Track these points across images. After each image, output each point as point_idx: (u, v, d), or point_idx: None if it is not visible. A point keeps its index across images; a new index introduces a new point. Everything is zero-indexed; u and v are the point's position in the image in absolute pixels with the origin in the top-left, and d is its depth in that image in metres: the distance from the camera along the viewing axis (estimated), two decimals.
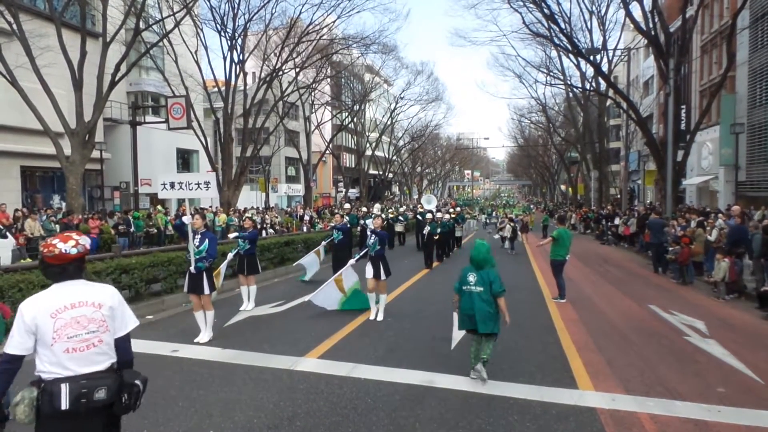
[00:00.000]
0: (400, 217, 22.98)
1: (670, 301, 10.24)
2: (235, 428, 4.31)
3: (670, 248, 13.25)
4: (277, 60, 26.28)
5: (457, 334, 7.34)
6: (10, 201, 18.72)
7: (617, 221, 23.84)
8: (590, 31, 32.05)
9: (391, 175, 59.82)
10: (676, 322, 8.38)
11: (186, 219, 6.83)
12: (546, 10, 22.16)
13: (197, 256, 6.75)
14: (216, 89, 26.44)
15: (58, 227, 16.70)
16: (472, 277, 5.66)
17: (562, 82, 36.89)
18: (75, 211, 17.30)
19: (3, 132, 20.17)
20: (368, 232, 8.71)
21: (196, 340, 6.81)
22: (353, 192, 49.24)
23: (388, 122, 50.53)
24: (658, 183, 28.16)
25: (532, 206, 61.27)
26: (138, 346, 6.60)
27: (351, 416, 4.56)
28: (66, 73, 17.59)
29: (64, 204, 21.11)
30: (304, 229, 23.63)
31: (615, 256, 19.21)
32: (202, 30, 25.15)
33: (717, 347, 6.91)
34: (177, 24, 21.00)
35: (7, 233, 13.34)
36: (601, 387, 5.39)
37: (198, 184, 7.02)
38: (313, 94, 37.14)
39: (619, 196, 35.95)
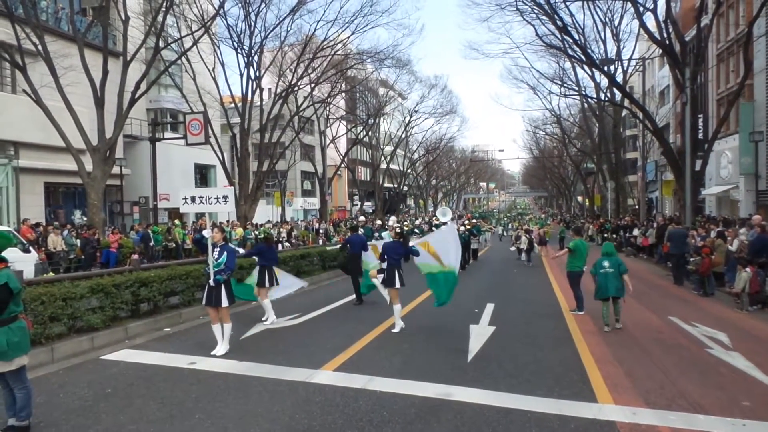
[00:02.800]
0: (416, 230, 22.94)
1: (691, 313, 10.04)
2: None
3: (691, 259, 13.01)
4: (293, 76, 26.62)
5: (474, 346, 7.29)
6: (33, 216, 19.13)
7: (636, 232, 23.51)
8: (604, 42, 31.78)
9: (406, 188, 59.93)
10: (698, 334, 8.20)
11: (206, 232, 6.93)
12: (559, 22, 22.15)
13: (216, 269, 6.80)
14: (233, 105, 26.87)
15: (79, 242, 17.02)
16: (606, 263, 8.63)
17: (576, 93, 36.71)
18: (96, 226, 17.60)
19: (28, 149, 20.69)
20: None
21: (212, 353, 6.84)
22: (368, 205, 49.36)
23: (403, 135, 50.74)
24: (677, 193, 27.77)
25: (549, 219, 60.70)
26: (155, 358, 6.71)
27: (367, 429, 4.52)
28: (88, 91, 18.02)
29: (85, 219, 21.49)
30: (320, 242, 23.72)
31: (634, 268, 18.80)
32: (219, 48, 25.65)
33: (741, 360, 6.74)
34: (195, 42, 21.43)
35: (30, 248, 13.60)
36: (620, 400, 5.28)
37: (217, 198, 7.18)
38: (328, 108, 37.48)
39: (637, 206, 35.47)
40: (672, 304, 11.27)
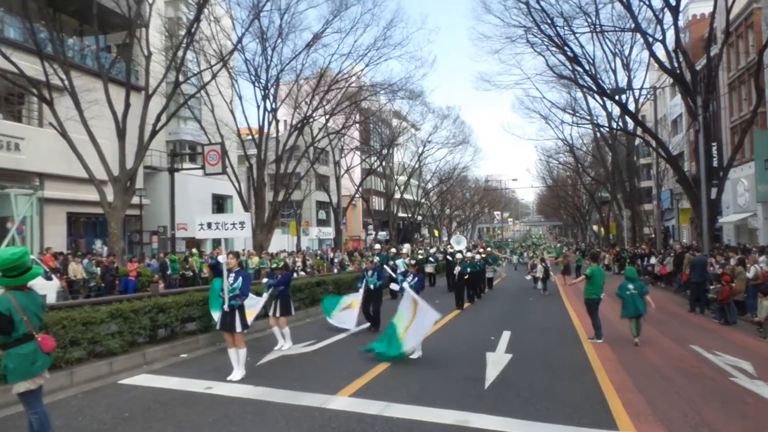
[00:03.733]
0: (430, 258, 22.87)
1: (713, 341, 9.80)
2: None
3: (711, 287, 12.77)
4: (308, 107, 27.12)
5: (491, 374, 7.18)
6: (56, 245, 19.45)
7: (653, 260, 23.16)
8: (614, 72, 32.01)
9: (420, 218, 59.93)
10: (721, 363, 7.99)
11: (221, 258, 7.01)
12: (569, 53, 22.43)
13: (231, 294, 6.85)
14: (250, 137, 27.37)
15: (99, 270, 17.24)
16: (630, 285, 9.65)
17: (588, 123, 36.86)
18: (116, 255, 17.83)
19: (52, 180, 21.21)
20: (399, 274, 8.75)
21: (228, 378, 6.82)
22: (383, 234, 49.38)
23: (416, 165, 51.05)
24: (694, 221, 27.43)
25: (564, 248, 60.12)
26: (173, 383, 6.71)
27: None
28: (110, 124, 18.52)
29: (105, 248, 21.79)
30: (335, 271, 23.71)
31: (651, 296, 18.49)
32: (237, 81, 26.29)
33: (766, 388, 6.55)
34: (214, 76, 22.03)
35: (53, 276, 13.81)
36: (642, 429, 5.15)
37: (233, 224, 7.21)
38: (342, 139, 37.97)
39: (653, 235, 35.04)
40: (693, 332, 11.02)
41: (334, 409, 5.66)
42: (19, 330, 4.21)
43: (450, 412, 5.54)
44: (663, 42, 20.53)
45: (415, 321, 8.03)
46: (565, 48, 22.28)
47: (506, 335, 10.19)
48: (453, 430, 5.04)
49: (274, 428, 5.08)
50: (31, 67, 17.35)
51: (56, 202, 21.43)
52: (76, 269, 16.57)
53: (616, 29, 26.69)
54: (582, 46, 31.05)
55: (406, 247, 22.29)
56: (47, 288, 12.22)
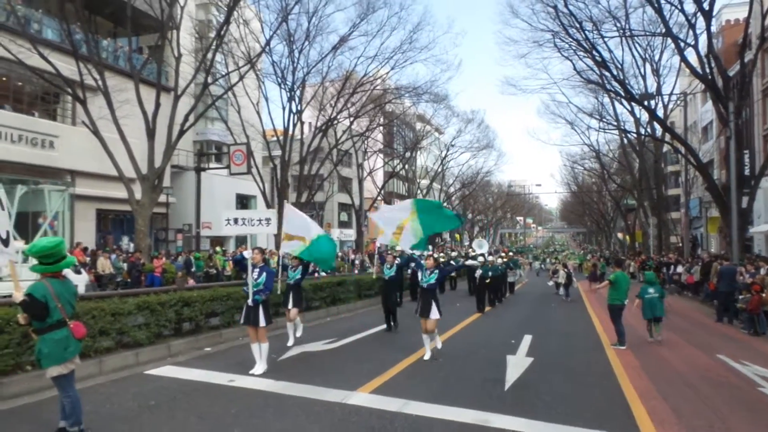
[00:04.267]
0: (452, 261, 22.76)
1: (741, 351, 9.56)
2: None
3: (740, 296, 12.46)
4: (333, 110, 27.35)
5: (511, 376, 7.15)
6: (85, 240, 19.99)
7: (680, 269, 22.68)
8: (644, 77, 31.40)
9: None
10: (749, 373, 7.80)
11: (246, 253, 7.14)
12: (598, 57, 22.16)
13: (255, 289, 6.97)
14: (274, 138, 27.70)
15: (125, 265, 17.66)
16: (651, 289, 10.32)
17: (615, 128, 36.25)
18: (142, 251, 18.23)
19: (83, 178, 21.81)
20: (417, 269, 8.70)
21: (251, 372, 6.93)
22: None
23: (439, 169, 50.93)
24: (723, 230, 26.75)
25: (588, 255, 59.18)
26: (196, 375, 6.86)
27: None
28: (139, 123, 18.98)
29: (132, 245, 22.30)
30: (355, 272, 23.81)
31: (678, 305, 18.14)
32: (263, 83, 26.66)
33: None
34: (241, 78, 22.38)
35: (82, 270, 14.20)
36: None
37: (260, 220, 7.34)
38: (366, 141, 38.15)
39: (680, 244, 34.28)
40: (720, 342, 10.77)
41: (354, 404, 5.71)
42: (54, 316, 4.40)
43: (470, 411, 5.54)
44: (695, 47, 20.13)
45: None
46: (594, 52, 22.01)
47: (527, 339, 10.11)
48: (473, 429, 5.04)
49: (295, 422, 5.15)
50: (66, 67, 17.91)
51: (86, 198, 22.03)
52: (105, 264, 17.00)
53: (647, 34, 26.25)
54: (611, 51, 30.44)
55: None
56: (77, 281, 12.57)
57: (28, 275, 8.21)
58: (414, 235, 9.28)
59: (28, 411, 5.40)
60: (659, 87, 30.76)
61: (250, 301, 6.97)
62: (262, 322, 6.96)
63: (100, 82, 17.75)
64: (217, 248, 23.66)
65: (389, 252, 13.29)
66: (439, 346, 8.43)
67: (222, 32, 20.46)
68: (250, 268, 7.09)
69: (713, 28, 21.53)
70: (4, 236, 4.60)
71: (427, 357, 8.12)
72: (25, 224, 19.04)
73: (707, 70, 19.98)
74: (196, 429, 4.90)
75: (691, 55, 22.13)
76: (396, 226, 9.48)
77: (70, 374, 4.56)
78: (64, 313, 4.46)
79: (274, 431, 4.88)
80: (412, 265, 9.91)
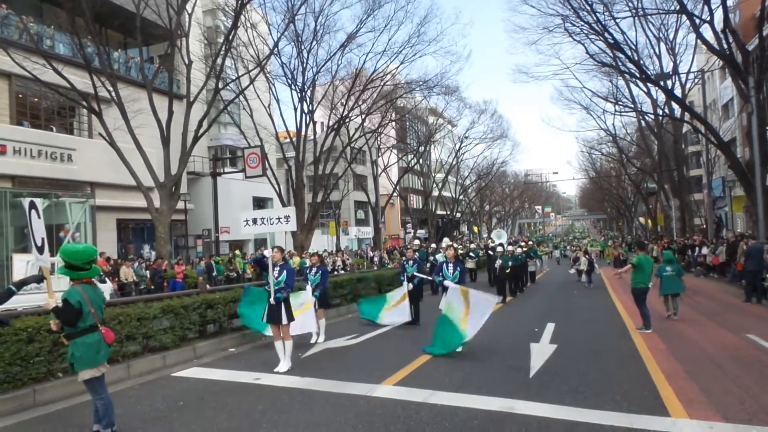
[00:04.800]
0: (471, 254, 22.74)
1: None
2: None
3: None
4: (344, 108, 27.42)
5: (536, 363, 7.14)
6: (107, 250, 20.40)
7: (705, 251, 22.31)
8: (659, 57, 30.85)
9: (458, 215, 59.54)
10: None
11: (267, 252, 7.25)
12: (610, 39, 21.83)
13: (276, 287, 7.07)
14: (287, 140, 27.89)
15: (148, 273, 17.99)
16: (668, 267, 10.94)
17: (632, 111, 35.68)
18: (163, 258, 18.54)
19: (103, 189, 22.26)
20: (443, 265, 8.69)
21: (275, 370, 7.04)
22: (421, 233, 49.35)
23: (454, 162, 50.75)
24: (749, 209, 26.22)
25: (609, 242, 58.48)
26: (223, 375, 6.99)
27: None
28: (154, 132, 19.29)
29: (153, 253, 22.69)
30: (375, 268, 23.89)
31: (704, 287, 17.90)
32: (274, 85, 26.87)
33: None
34: (252, 81, 22.59)
35: (106, 279, 14.53)
36: (696, 415, 5.03)
37: (279, 218, 7.42)
38: (379, 138, 38.20)
39: (704, 225, 33.68)
40: (749, 322, 10.59)
41: (379, 397, 5.77)
42: (87, 321, 4.57)
43: (495, 399, 5.56)
44: (711, 23, 19.71)
45: (471, 309, 7.86)
46: (606, 35, 21.67)
47: (550, 327, 10.07)
48: (498, 417, 5.06)
49: (322, 415, 5.23)
50: (80, 80, 18.27)
51: (106, 209, 22.46)
52: (127, 272, 17.35)
53: (660, 12, 25.75)
54: (623, 32, 29.87)
55: (444, 241, 22.21)
56: (102, 290, 12.86)
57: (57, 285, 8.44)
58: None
59: (61, 416, 5.56)
60: (675, 66, 30.22)
61: (272, 300, 7.07)
62: (284, 320, 7.06)
63: (113, 94, 18.07)
64: (237, 252, 23.96)
65: (408, 247, 13.34)
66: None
67: (230, 37, 20.66)
68: (271, 266, 7.20)
69: (729, 2, 21.03)
70: (39, 244, 4.77)
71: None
72: (50, 237, 19.43)
73: (725, 46, 19.55)
74: (225, 426, 5.01)
75: (707, 32, 21.65)
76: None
77: (101, 377, 4.71)
78: (96, 318, 4.62)
79: (301, 425, 4.96)
80: (431, 259, 9.96)
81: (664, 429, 4.67)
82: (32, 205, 4.81)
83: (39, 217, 4.83)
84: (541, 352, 7.87)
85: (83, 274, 4.62)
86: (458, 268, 8.36)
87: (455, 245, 9.24)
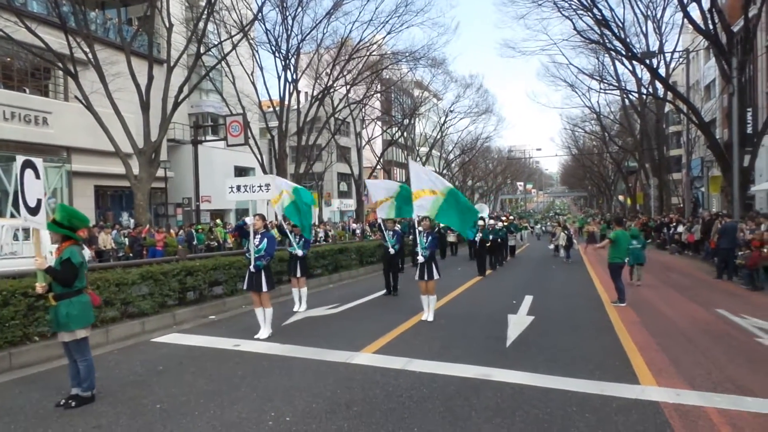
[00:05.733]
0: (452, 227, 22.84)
1: (740, 306, 9.70)
2: (295, 412, 4.46)
3: (740, 253, 12.57)
4: (329, 78, 27.03)
5: (512, 334, 7.29)
6: None
7: (680, 229, 22.79)
8: (645, 36, 30.97)
9: None
10: (747, 325, 7.94)
11: (248, 220, 7.20)
12: (598, 15, 21.73)
13: (257, 255, 7.05)
14: (271, 109, 27.47)
15: (127, 240, 17.77)
16: (634, 241, 11.99)
17: (616, 89, 35.85)
18: (143, 225, 18.32)
19: (79, 154, 21.77)
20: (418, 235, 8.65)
21: (256, 337, 7.08)
22: None
23: (438, 136, 50.63)
24: (725, 189, 26.71)
25: (589, 219, 59.40)
26: (202, 341, 7.01)
27: (407, 404, 4.62)
28: (133, 97, 18.82)
29: (132, 221, 22.40)
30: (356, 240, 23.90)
31: (678, 264, 18.37)
32: (257, 52, 26.27)
33: None
34: (234, 47, 22.06)
35: (84, 245, 14.31)
36: (664, 383, 5.20)
37: (260, 186, 7.54)
38: (363, 110, 37.82)
39: (681, 204, 34.34)
40: (719, 297, 10.91)
41: (359, 363, 5.86)
42: (83, 281, 4.69)
43: (472, 367, 5.68)
44: (698, 1, 19.73)
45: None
46: (594, 11, 21.56)
47: (528, 299, 10.26)
48: (475, 383, 5.17)
49: (301, 380, 5.29)
50: (55, 41, 17.66)
51: (84, 175, 22.03)
52: (106, 240, 17.10)
53: None
54: (611, 9, 29.95)
55: None
56: None
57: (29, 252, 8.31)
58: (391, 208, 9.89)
59: (38, 379, 5.54)
60: (661, 45, 30.26)
61: (252, 267, 7.05)
62: (264, 287, 7.06)
63: (90, 56, 17.53)
64: (218, 221, 23.77)
65: (390, 219, 13.33)
66: (430, 318, 8.24)
67: (213, 0, 20.06)
68: (252, 234, 7.16)
69: None
70: (33, 204, 4.69)
71: (430, 318, 8.23)
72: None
73: (710, 26, 19.61)
74: (205, 389, 5.04)
75: (694, 11, 21.71)
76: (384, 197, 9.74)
77: (88, 338, 4.78)
78: (86, 280, 4.77)
79: (281, 389, 5.01)
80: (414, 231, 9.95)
81: (633, 395, 4.82)
82: (27, 165, 4.71)
83: (38, 177, 4.75)
84: (518, 323, 8.03)
85: (75, 235, 4.67)
86: (430, 237, 8.43)
87: (429, 217, 9.09)
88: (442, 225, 22.56)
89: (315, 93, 27.44)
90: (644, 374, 5.48)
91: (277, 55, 25.05)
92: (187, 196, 26.66)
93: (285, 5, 23.91)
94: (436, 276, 8.31)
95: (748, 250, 12.13)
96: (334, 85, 27.68)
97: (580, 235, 28.59)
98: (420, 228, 8.51)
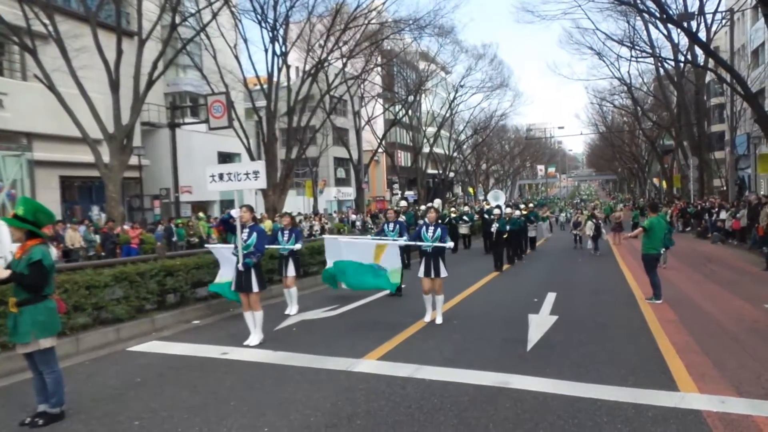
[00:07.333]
0: (465, 217, 22.86)
1: None
2: (291, 427, 4.49)
3: None
4: (322, 50, 26.92)
5: (534, 336, 7.31)
6: None
7: (723, 215, 22.74)
8: None
9: (452, 174, 59.71)
10: None
11: (234, 212, 7.14)
12: None
13: (245, 251, 7.04)
14: (258, 87, 27.39)
15: (98, 237, 17.85)
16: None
17: (650, 57, 35.60)
18: (115, 220, 18.38)
19: (42, 141, 21.79)
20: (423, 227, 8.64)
21: (245, 343, 7.12)
22: (410, 194, 49.50)
23: (447, 114, 50.49)
24: None
25: (619, 205, 59.34)
26: (185, 349, 7.06)
27: (416, 415, 4.65)
28: (102, 76, 18.79)
29: (103, 215, 22.47)
30: (356, 234, 23.98)
31: (721, 255, 18.34)
32: (240, 21, 26.20)
33: None
34: (214, 15, 21.99)
35: (49, 244, 14.37)
36: (707, 389, 5.21)
37: (247, 174, 7.39)
38: (362, 86, 37.74)
39: (725, 187, 34.24)
40: None
41: (362, 372, 5.89)
42: (52, 286, 4.72)
43: (488, 374, 5.70)
44: None
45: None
46: None
47: (551, 297, 10.27)
48: (492, 392, 5.19)
49: (297, 391, 5.32)
50: (9, 11, 17.61)
51: (48, 164, 22.05)
52: (74, 237, 17.19)
53: None
54: None
55: (436, 202, 22.29)
56: None
57: None
58: None
59: (0, 395, 5.58)
60: (702, 5, 29.97)
61: (240, 266, 7.05)
62: (255, 288, 7.08)
63: (50, 28, 17.48)
64: (200, 214, 23.84)
65: (390, 207, 13.34)
66: (439, 320, 8.27)
67: None
68: (239, 228, 7.14)
69: None
70: None
71: (439, 320, 8.25)
72: None
73: None
74: (189, 403, 5.08)
75: None
76: None
77: (54, 348, 4.79)
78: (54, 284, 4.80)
79: (274, 402, 5.04)
80: (420, 223, 9.94)
81: (671, 404, 4.83)
82: None
83: None
84: (540, 324, 8.05)
85: (40, 233, 4.67)
86: (438, 229, 8.33)
87: (447, 209, 8.97)
88: (453, 215, 22.65)
89: (307, 68, 27.34)
90: (684, 379, 5.49)
91: (263, 24, 24.94)
92: (164, 187, 26.71)
93: None
94: (443, 273, 8.29)
95: None
96: (329, 58, 27.57)
97: (607, 223, 28.55)
98: (426, 220, 8.54)
